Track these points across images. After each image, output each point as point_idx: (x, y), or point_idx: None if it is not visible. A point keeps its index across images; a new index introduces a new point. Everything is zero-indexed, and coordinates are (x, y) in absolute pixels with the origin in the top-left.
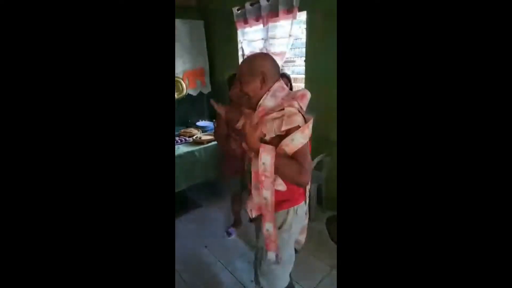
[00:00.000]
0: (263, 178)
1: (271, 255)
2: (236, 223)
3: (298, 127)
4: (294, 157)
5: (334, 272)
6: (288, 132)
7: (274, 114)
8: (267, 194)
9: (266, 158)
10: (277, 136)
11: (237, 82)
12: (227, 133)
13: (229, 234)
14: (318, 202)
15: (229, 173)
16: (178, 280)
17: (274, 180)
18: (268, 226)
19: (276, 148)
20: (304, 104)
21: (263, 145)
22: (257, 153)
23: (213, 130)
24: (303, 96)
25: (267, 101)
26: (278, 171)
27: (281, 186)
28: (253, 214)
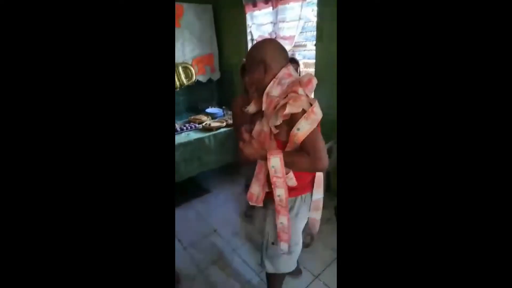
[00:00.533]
0: (274, 179)
1: (283, 246)
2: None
3: (304, 111)
4: (304, 146)
5: None
6: (294, 119)
7: (281, 102)
8: (281, 192)
9: (275, 161)
10: (285, 124)
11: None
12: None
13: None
14: (326, 189)
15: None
16: (186, 259)
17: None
18: (282, 219)
19: (281, 145)
20: (310, 90)
21: (269, 151)
22: (265, 159)
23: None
24: (308, 82)
25: (274, 90)
26: (292, 167)
27: (291, 181)
28: (257, 201)
